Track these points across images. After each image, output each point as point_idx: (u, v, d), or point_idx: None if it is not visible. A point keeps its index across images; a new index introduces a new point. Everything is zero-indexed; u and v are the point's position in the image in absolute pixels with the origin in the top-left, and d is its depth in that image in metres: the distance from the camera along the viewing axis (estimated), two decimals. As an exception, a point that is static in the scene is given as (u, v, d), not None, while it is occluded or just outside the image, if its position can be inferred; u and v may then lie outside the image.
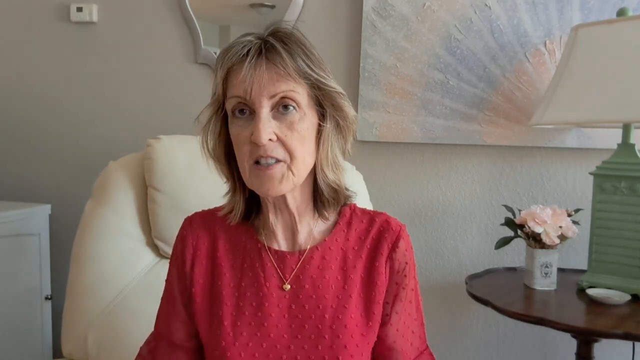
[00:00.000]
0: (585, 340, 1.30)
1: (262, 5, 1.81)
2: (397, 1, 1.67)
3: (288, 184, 0.77)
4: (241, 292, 0.83)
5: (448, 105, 1.66)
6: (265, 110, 0.74)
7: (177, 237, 0.89)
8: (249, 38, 0.76)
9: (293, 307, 0.82)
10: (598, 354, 1.33)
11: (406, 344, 0.86)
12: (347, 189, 0.87)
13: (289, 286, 0.83)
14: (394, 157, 1.75)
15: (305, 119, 0.77)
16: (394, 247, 0.85)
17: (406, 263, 0.85)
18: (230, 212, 0.86)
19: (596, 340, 1.30)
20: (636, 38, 1.27)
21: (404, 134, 1.70)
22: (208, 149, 0.83)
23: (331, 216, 0.87)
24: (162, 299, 0.91)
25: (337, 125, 0.81)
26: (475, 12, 1.62)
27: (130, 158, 1.46)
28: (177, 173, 1.36)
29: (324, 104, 0.79)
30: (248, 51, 0.75)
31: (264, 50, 0.75)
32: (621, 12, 1.36)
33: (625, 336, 1.11)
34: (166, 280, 0.90)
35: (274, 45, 0.75)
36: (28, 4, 2.03)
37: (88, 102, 2.02)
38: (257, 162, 0.76)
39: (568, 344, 1.56)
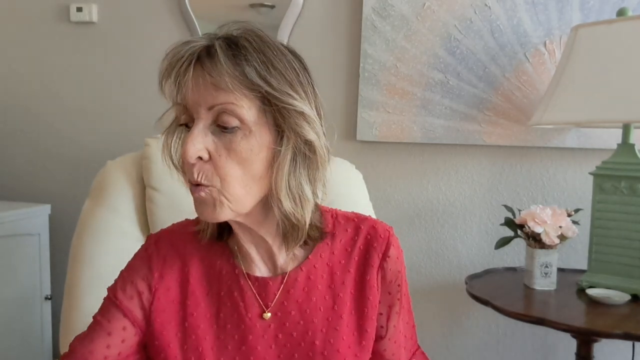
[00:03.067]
0: (585, 340, 1.30)
1: (262, 5, 1.81)
2: (397, 1, 1.67)
3: (224, 211, 0.67)
4: (220, 324, 0.75)
5: (448, 105, 1.66)
6: (202, 123, 0.65)
7: (138, 256, 0.80)
8: (192, 44, 0.65)
9: (280, 336, 0.75)
10: (598, 354, 1.33)
11: (401, 351, 0.84)
12: (316, 228, 0.75)
13: (269, 314, 0.75)
14: (394, 157, 1.75)
15: (249, 137, 0.65)
16: (384, 256, 0.78)
17: (399, 271, 0.80)
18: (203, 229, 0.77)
19: (596, 340, 1.30)
20: (636, 38, 1.27)
21: (403, 134, 1.70)
22: (171, 158, 0.76)
23: (296, 250, 0.77)
24: (95, 319, 0.78)
25: (299, 150, 0.68)
26: (475, 12, 1.62)
27: (128, 157, 1.45)
28: (175, 173, 1.36)
29: (279, 122, 0.66)
30: (182, 57, 0.65)
31: (197, 56, 0.64)
32: (621, 12, 1.36)
33: (625, 336, 1.12)
34: (108, 299, 0.78)
35: (215, 50, 0.64)
36: (28, 4, 2.04)
37: (87, 102, 2.02)
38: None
39: (568, 344, 1.56)
